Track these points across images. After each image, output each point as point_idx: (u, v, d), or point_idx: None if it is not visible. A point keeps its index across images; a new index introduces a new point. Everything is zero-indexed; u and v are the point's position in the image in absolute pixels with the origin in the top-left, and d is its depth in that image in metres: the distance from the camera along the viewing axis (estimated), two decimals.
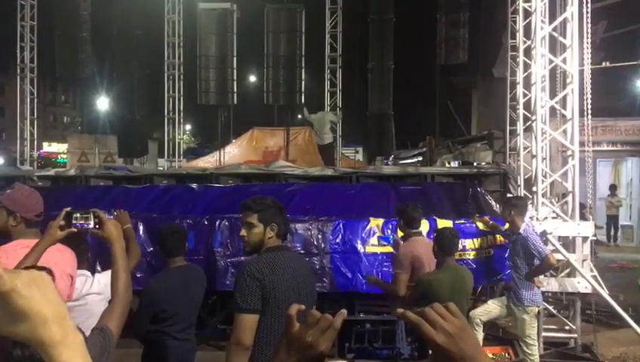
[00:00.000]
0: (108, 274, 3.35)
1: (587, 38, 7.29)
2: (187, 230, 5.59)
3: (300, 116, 17.96)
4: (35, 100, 16.32)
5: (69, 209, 2.48)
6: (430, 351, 1.06)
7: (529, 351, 5.55)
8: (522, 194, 7.86)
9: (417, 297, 4.48)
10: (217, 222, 6.87)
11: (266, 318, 2.96)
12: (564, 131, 7.02)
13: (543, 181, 6.89)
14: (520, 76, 9.14)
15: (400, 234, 5.42)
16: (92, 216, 2.44)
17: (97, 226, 2.43)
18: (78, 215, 2.44)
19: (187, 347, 4.05)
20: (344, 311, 1.09)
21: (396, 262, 5.02)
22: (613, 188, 16.51)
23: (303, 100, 15.58)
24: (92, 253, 6.02)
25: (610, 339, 7.17)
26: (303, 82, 15.63)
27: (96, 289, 3.35)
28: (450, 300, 3.82)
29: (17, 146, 15.98)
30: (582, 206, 7.19)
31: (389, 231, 6.31)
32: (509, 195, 8.02)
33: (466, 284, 4.56)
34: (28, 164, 15.50)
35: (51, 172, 10.95)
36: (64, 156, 28.53)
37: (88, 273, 3.45)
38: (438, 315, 1.07)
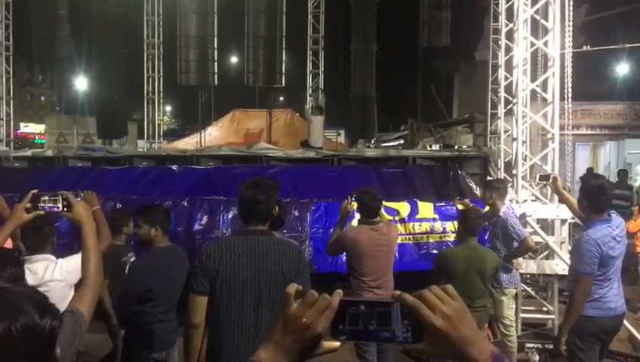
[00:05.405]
0: (71, 260, 3.28)
1: (569, 21, 7.30)
2: None
3: (281, 98, 17.87)
4: (11, 80, 15.99)
5: (35, 191, 2.41)
6: (427, 334, 1.04)
7: (507, 332, 5.62)
8: (502, 177, 7.91)
9: (438, 270, 4.86)
10: (197, 204, 6.81)
11: (216, 301, 3.03)
12: (545, 115, 7.05)
13: (523, 164, 6.93)
14: (502, 59, 9.16)
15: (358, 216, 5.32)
16: (60, 199, 2.37)
17: (66, 208, 2.37)
18: (46, 198, 2.38)
19: (169, 328, 4.05)
20: (340, 291, 1.06)
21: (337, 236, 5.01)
22: (590, 171, 16.67)
23: (283, 82, 15.46)
24: (70, 236, 5.97)
25: None
26: (283, 63, 15.48)
27: (58, 275, 3.27)
28: (463, 275, 4.10)
29: None
30: None
31: None
32: (489, 178, 8.06)
33: (484, 263, 4.77)
34: (4, 144, 15.21)
35: (28, 153, 10.77)
36: (42, 137, 28.06)
37: (53, 257, 3.37)
38: (437, 298, 1.04)
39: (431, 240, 6.65)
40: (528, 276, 7.19)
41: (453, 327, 1.02)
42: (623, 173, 12.55)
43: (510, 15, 7.88)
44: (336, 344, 1.06)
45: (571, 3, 7.22)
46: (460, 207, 6.43)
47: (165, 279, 3.96)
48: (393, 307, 1.03)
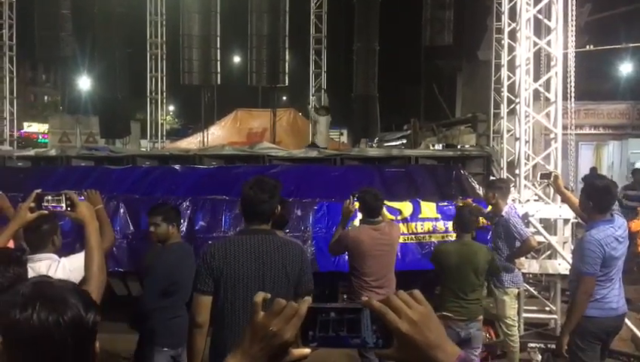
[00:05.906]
0: (74, 259, 3.27)
1: (572, 20, 7.29)
2: None
3: (284, 98, 17.88)
4: (15, 79, 16.02)
5: (39, 191, 2.42)
6: (395, 339, 1.04)
7: (509, 332, 5.62)
8: (505, 177, 7.90)
9: (436, 266, 5.00)
10: (200, 204, 6.82)
11: (220, 300, 3.04)
12: (548, 114, 7.04)
13: (525, 164, 6.93)
14: (504, 59, 9.14)
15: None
16: (64, 198, 2.37)
17: (69, 208, 2.38)
18: (50, 197, 2.38)
19: (185, 324, 4.08)
20: (309, 299, 1.07)
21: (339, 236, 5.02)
22: (593, 170, 16.60)
23: (286, 82, 15.46)
24: (73, 235, 6.00)
25: None
26: (286, 63, 15.48)
27: (62, 274, 3.26)
28: (457, 270, 4.30)
29: None
30: None
31: None
32: (492, 178, 8.06)
33: (477, 259, 4.82)
34: (7, 143, 15.24)
35: (31, 152, 10.78)
36: (45, 137, 28.13)
37: (55, 256, 3.36)
38: (403, 303, 1.05)
39: (433, 240, 6.66)
40: (531, 276, 7.19)
41: (419, 332, 1.03)
42: (639, 173, 12.01)
43: (513, 14, 7.87)
44: (306, 351, 1.07)
45: (574, 2, 7.20)
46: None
47: (186, 273, 4.00)
48: (363, 313, 1.04)
